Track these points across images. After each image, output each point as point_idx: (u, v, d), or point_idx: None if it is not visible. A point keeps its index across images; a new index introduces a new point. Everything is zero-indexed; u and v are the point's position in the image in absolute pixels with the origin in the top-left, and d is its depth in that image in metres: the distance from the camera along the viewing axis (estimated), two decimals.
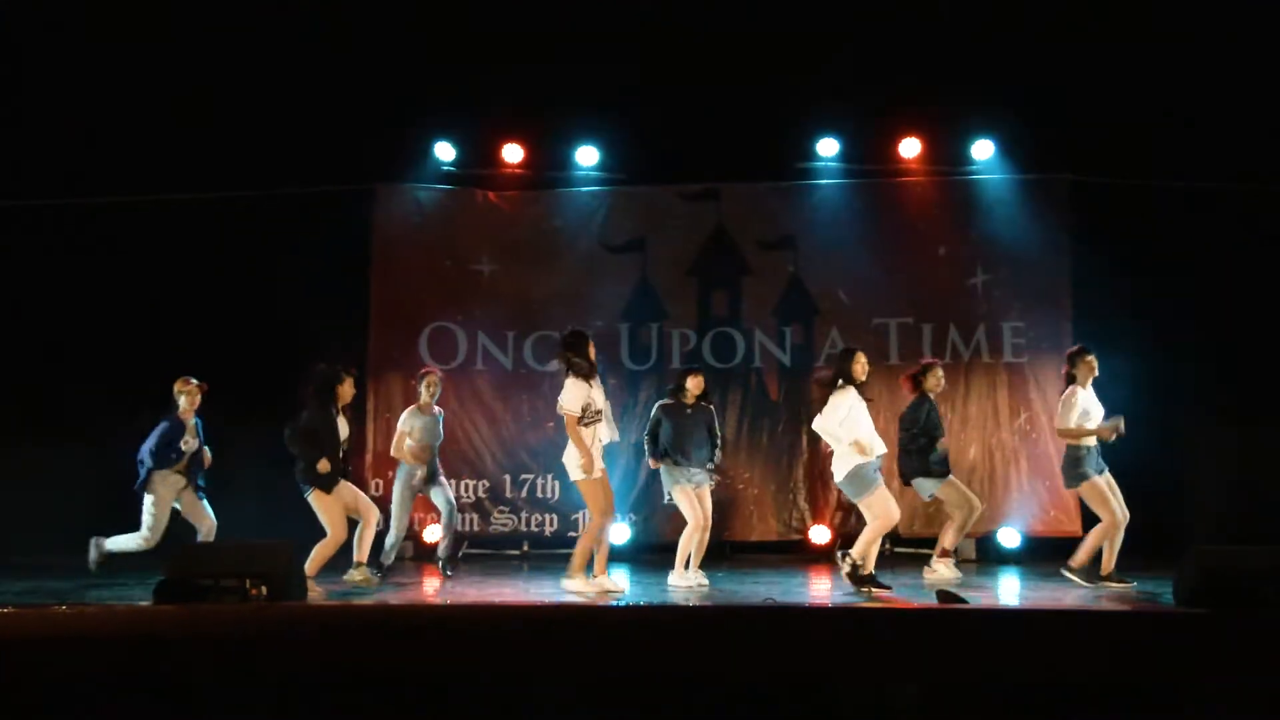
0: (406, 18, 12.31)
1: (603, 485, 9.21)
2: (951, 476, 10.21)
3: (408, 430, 10.49)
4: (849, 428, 9.02)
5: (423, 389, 10.58)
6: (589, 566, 9.31)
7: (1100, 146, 12.20)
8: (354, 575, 9.66)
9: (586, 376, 9.14)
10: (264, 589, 7.98)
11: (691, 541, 9.64)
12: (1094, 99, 12.02)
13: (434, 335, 12.82)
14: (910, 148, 12.74)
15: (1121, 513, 9.24)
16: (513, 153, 12.98)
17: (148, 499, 9.62)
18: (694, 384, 9.87)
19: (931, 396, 10.32)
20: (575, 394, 9.08)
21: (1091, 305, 12.03)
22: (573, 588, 9.17)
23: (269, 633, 7.27)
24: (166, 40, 12.14)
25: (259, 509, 10.72)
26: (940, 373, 10.31)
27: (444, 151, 12.96)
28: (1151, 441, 9.83)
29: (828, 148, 12.81)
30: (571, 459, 9.20)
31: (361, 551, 9.69)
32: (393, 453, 10.67)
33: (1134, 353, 9.65)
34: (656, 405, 10.15)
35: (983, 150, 12.68)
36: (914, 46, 12.07)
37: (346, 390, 9.74)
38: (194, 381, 9.76)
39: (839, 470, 9.14)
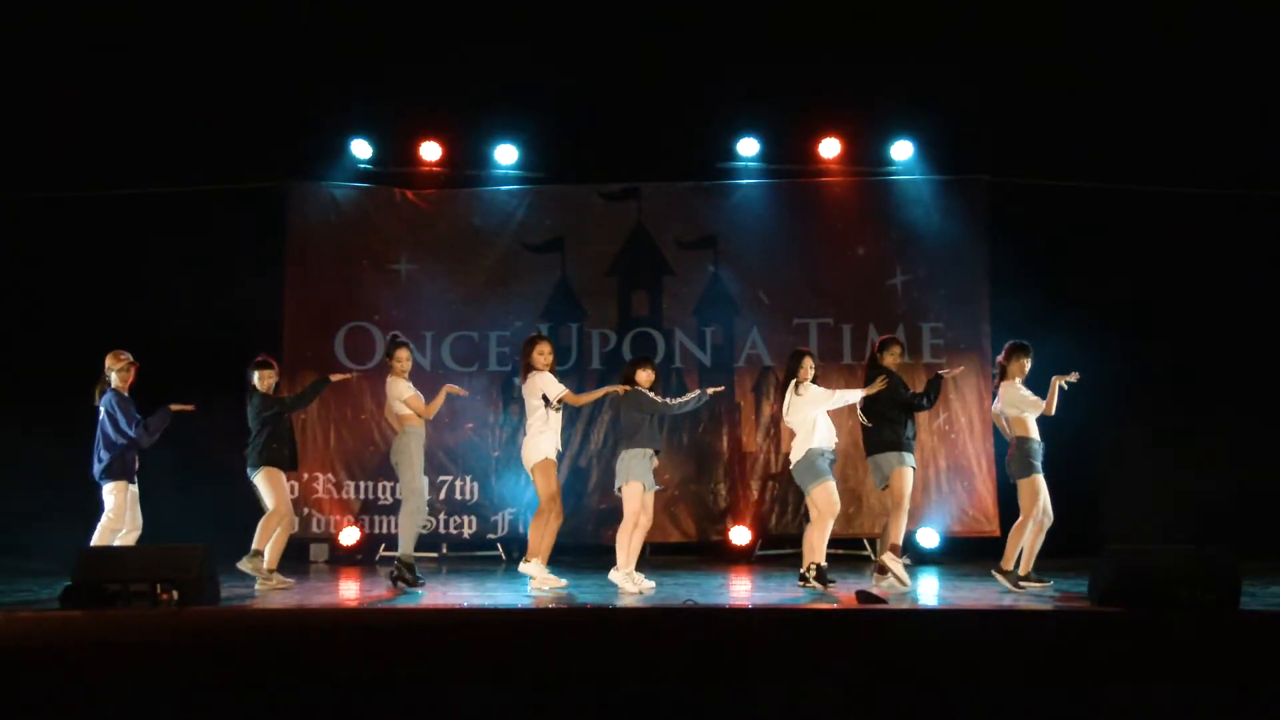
0: (322, 12, 12.20)
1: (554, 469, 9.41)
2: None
3: (408, 394, 9.57)
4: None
5: (395, 363, 9.69)
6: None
7: (1017, 148, 12.34)
8: (246, 565, 9.31)
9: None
10: (175, 593, 7.87)
11: (631, 538, 9.38)
12: (1011, 101, 12.13)
13: (350, 335, 12.69)
14: (830, 148, 12.79)
15: (1047, 516, 9.28)
16: (431, 151, 12.89)
17: (115, 485, 9.32)
18: (645, 376, 9.51)
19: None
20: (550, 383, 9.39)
21: (1009, 305, 12.10)
22: (533, 572, 9.22)
23: (181, 638, 7.18)
24: (81, 32, 12.02)
25: (172, 510, 10.56)
26: (898, 349, 9.95)
27: (361, 149, 12.85)
28: (1067, 441, 9.88)
29: (748, 147, 12.86)
30: (532, 446, 9.30)
31: (262, 542, 9.40)
32: (398, 416, 9.64)
33: (1051, 353, 9.67)
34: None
35: (902, 151, 12.77)
36: (834, 47, 12.12)
37: (260, 379, 9.61)
38: (126, 356, 9.46)
39: (793, 456, 9.34)
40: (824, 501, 9.17)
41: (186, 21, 12.03)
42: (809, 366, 9.39)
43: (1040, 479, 9.22)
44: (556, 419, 9.37)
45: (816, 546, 9.21)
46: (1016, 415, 9.32)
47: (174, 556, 8.09)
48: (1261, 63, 11.69)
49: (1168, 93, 11.89)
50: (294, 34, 12.14)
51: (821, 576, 9.12)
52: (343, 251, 12.85)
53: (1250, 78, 11.80)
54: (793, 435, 9.42)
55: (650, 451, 9.36)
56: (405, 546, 9.48)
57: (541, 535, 9.29)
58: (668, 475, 12.32)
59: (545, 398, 9.25)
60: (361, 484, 12.25)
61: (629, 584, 9.14)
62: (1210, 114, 11.93)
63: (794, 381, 9.32)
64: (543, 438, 9.24)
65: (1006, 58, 12.00)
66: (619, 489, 9.33)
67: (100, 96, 12.01)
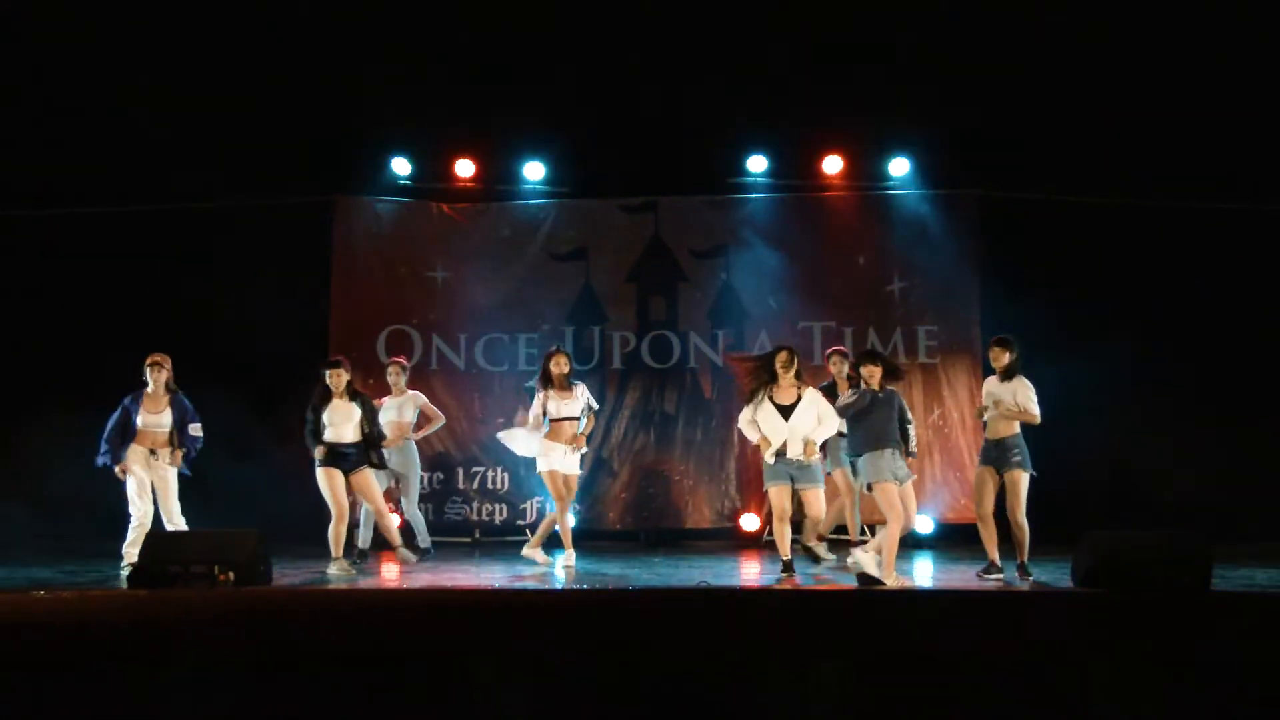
0: (367, 41, 12.84)
1: (557, 476, 10.37)
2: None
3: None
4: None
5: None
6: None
7: (1007, 164, 12.87)
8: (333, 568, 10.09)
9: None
10: (231, 575, 8.41)
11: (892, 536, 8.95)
12: (1002, 119, 12.60)
13: (391, 337, 13.36)
14: (833, 164, 13.44)
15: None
16: (465, 167, 13.61)
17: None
18: (869, 371, 9.07)
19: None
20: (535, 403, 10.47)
21: (998, 310, 12.52)
22: (530, 555, 10.60)
23: (236, 616, 7.63)
24: (129, 47, 12.49)
25: (227, 501, 11.14)
26: (836, 359, 10.69)
27: (400, 166, 13.57)
28: (1058, 437, 10.17)
29: (757, 164, 13.52)
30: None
31: (338, 547, 10.17)
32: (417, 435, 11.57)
33: (1044, 355, 10.11)
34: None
35: (899, 167, 13.39)
36: (836, 71, 12.76)
37: (332, 381, 10.21)
38: (158, 356, 10.10)
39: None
40: (773, 502, 9.68)
41: (240, 45, 12.58)
42: (779, 366, 9.57)
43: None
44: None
45: (778, 543, 9.72)
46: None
47: (229, 541, 8.58)
48: (1251, 75, 12.07)
49: (1156, 103, 12.22)
50: (341, 60, 12.73)
51: (787, 568, 9.61)
52: (384, 260, 13.54)
53: (1234, 89, 12.16)
54: None
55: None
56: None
57: (548, 529, 10.64)
58: (683, 466, 13.11)
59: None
60: None
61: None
62: (1196, 127, 12.17)
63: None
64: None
65: (998, 79, 12.43)
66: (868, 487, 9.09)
67: (155, 114, 12.53)
